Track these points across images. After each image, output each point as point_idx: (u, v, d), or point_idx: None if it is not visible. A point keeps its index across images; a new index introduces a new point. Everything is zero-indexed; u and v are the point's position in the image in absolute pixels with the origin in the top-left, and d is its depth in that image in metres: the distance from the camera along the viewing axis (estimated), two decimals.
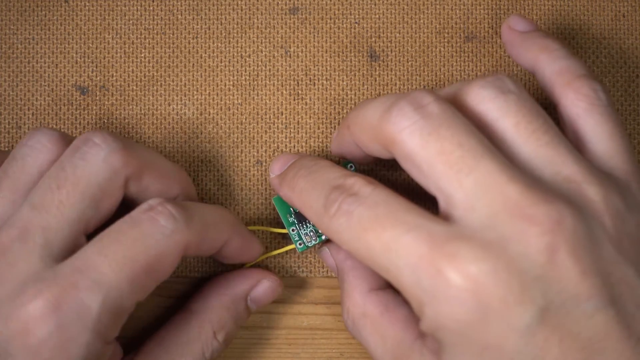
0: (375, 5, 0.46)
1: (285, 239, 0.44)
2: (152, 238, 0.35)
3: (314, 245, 0.42)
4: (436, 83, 0.46)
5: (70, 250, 0.36)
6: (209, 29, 0.45)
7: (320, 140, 0.45)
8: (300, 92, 0.45)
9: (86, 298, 0.34)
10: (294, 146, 0.45)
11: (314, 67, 0.45)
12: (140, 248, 0.35)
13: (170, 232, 0.36)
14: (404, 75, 0.46)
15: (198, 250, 0.37)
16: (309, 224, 0.42)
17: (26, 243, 0.35)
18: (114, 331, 0.36)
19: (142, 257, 0.35)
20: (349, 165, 0.43)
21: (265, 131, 0.45)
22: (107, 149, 0.37)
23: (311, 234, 0.42)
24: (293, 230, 0.42)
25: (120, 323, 0.36)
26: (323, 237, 0.42)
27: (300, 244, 0.42)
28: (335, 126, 0.45)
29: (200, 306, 0.41)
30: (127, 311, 0.36)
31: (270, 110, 0.45)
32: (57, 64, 0.45)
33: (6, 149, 0.45)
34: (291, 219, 0.42)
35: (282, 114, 0.45)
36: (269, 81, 0.45)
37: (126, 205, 0.38)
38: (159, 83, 0.45)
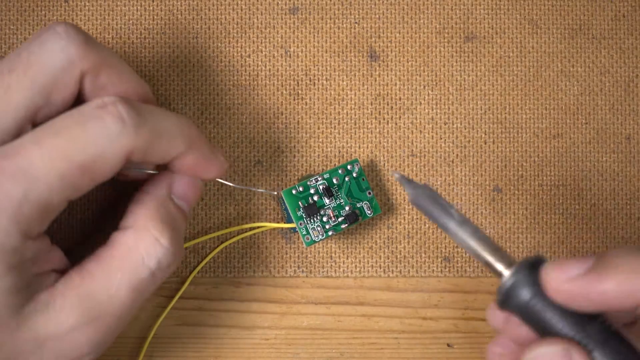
0: (375, 5, 0.46)
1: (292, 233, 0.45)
2: (94, 138, 0.33)
3: (321, 240, 0.42)
4: (436, 83, 0.46)
5: (12, 136, 0.34)
6: (209, 29, 0.45)
7: (321, 140, 0.45)
8: (300, 92, 0.45)
9: (9, 184, 0.32)
10: (294, 146, 0.45)
11: (314, 67, 0.45)
12: (79, 146, 0.33)
13: (116, 136, 0.34)
14: (404, 75, 0.46)
15: (144, 158, 0.35)
16: (317, 218, 0.42)
17: None
18: (38, 226, 0.34)
19: (79, 155, 0.33)
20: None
21: (266, 131, 0.45)
22: (66, 39, 0.35)
23: (318, 228, 0.42)
24: (301, 224, 0.42)
25: (46, 219, 0.34)
26: (330, 233, 0.42)
27: (307, 239, 0.42)
28: (335, 126, 0.45)
29: (129, 220, 0.37)
30: (55, 207, 0.34)
31: (270, 110, 0.45)
32: None
33: None
34: (299, 213, 0.42)
35: (282, 114, 0.45)
36: (269, 81, 0.45)
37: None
38: (159, 83, 0.45)
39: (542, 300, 0.33)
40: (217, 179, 0.41)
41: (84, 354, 0.35)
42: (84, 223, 0.44)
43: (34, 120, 0.35)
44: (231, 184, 0.44)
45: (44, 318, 0.34)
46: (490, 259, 0.35)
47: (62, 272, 0.36)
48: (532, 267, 0.34)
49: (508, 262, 0.34)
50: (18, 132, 0.35)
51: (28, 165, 0.33)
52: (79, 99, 0.37)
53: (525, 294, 0.33)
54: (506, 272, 0.34)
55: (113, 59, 0.37)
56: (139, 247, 0.36)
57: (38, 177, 0.33)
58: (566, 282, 0.32)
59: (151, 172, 0.39)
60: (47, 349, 0.34)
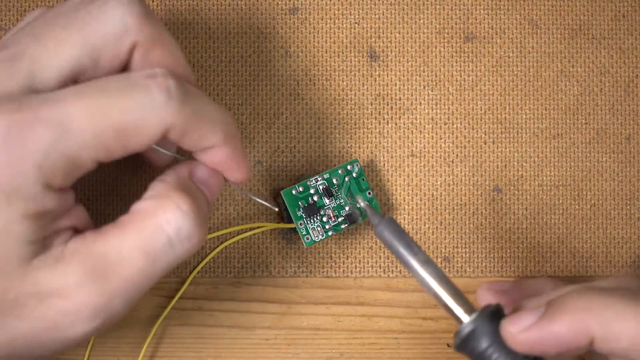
0: (375, 5, 0.46)
1: (292, 233, 0.45)
2: (138, 104, 0.33)
3: (321, 240, 0.43)
4: (436, 83, 0.46)
5: (52, 89, 0.34)
6: (209, 29, 0.45)
7: (321, 140, 0.45)
8: (300, 92, 0.45)
9: (41, 129, 0.32)
10: (294, 146, 0.45)
11: (314, 67, 0.45)
12: (121, 107, 0.33)
13: (160, 107, 0.33)
14: (404, 76, 0.46)
15: (181, 138, 0.34)
16: (317, 218, 0.42)
17: (11, 67, 0.34)
18: (62, 179, 0.33)
19: (118, 117, 0.33)
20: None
21: (266, 131, 0.45)
22: (127, 7, 0.35)
23: (318, 229, 0.42)
24: (301, 224, 0.42)
25: (72, 174, 0.33)
26: (330, 233, 0.42)
27: (307, 239, 0.42)
28: (335, 126, 0.45)
29: (150, 192, 0.36)
30: (82, 164, 0.33)
31: (270, 110, 0.45)
32: None
33: None
34: (300, 213, 0.42)
35: (282, 114, 0.45)
36: (269, 81, 0.45)
37: None
38: None
39: (499, 350, 0.35)
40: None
41: (87, 317, 0.34)
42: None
43: (77, 80, 0.35)
44: (239, 189, 0.43)
45: (51, 273, 0.33)
46: (450, 302, 0.36)
47: (82, 232, 0.35)
48: (491, 316, 0.35)
49: (468, 308, 0.36)
50: (59, 87, 0.34)
51: (65, 115, 0.32)
52: (125, 70, 0.36)
53: (482, 342, 0.35)
54: (465, 318, 0.35)
55: (167, 38, 0.36)
56: (157, 213, 0.34)
57: (72, 129, 0.32)
58: (522, 332, 0.34)
59: (178, 156, 0.39)
60: (50, 305, 0.33)
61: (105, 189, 0.44)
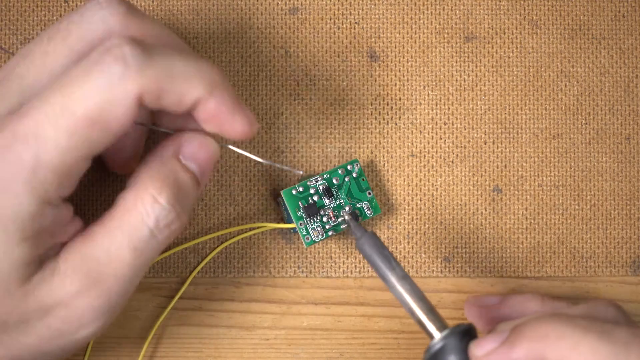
0: (375, 5, 0.46)
1: (292, 233, 0.45)
2: (96, 85, 0.32)
3: (321, 240, 0.43)
4: (436, 83, 0.46)
5: None
6: (209, 29, 0.45)
7: (321, 140, 0.45)
8: (300, 92, 0.45)
9: (20, 148, 0.31)
10: (294, 146, 0.45)
11: (314, 67, 0.45)
12: (83, 95, 0.31)
13: (118, 79, 0.32)
14: (404, 76, 0.46)
15: (158, 101, 0.33)
16: (317, 218, 0.42)
17: (1, 89, 0.34)
18: (57, 189, 0.33)
19: (81, 107, 0.32)
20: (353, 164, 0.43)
21: (266, 131, 0.45)
22: (107, 9, 0.35)
23: (318, 229, 0.42)
24: (301, 224, 0.42)
25: (65, 181, 0.33)
26: (330, 233, 0.42)
27: (307, 239, 0.42)
28: (335, 126, 0.45)
29: (132, 181, 0.36)
30: (72, 167, 0.33)
31: (270, 110, 0.45)
32: None
33: None
34: (300, 213, 0.42)
35: (282, 114, 0.45)
36: (269, 81, 0.45)
37: None
38: None
39: None
40: (244, 153, 0.39)
41: (90, 320, 0.34)
42: None
43: None
44: (258, 158, 0.40)
45: (50, 287, 0.33)
46: (423, 318, 0.37)
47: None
48: (462, 334, 0.36)
49: (440, 325, 0.37)
50: None
51: (35, 125, 0.32)
52: None
53: (451, 359, 0.36)
54: (437, 335, 0.37)
55: (157, 30, 0.36)
56: (137, 206, 0.34)
57: (47, 137, 0.32)
58: (485, 356, 0.35)
59: (166, 130, 0.38)
60: (54, 316, 0.34)
61: (96, 188, 0.44)
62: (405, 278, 0.38)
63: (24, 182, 0.32)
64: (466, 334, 0.37)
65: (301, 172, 0.42)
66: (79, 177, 0.33)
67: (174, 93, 0.33)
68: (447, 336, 0.36)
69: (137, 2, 0.45)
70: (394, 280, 0.38)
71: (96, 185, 0.44)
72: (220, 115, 0.35)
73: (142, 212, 0.34)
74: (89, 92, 0.32)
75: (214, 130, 0.36)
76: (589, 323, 0.35)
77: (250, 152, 0.43)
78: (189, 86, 0.34)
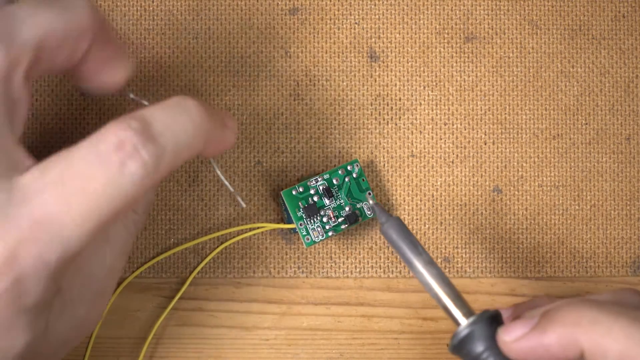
0: (375, 5, 0.46)
1: (292, 233, 0.45)
2: (120, 186, 0.32)
3: (321, 241, 0.43)
4: (436, 83, 0.46)
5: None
6: (209, 29, 0.45)
7: (321, 140, 0.45)
8: (300, 92, 0.45)
9: (45, 253, 0.31)
10: (294, 146, 0.45)
11: (314, 67, 0.45)
12: (107, 198, 0.32)
13: (140, 179, 0.32)
14: (404, 76, 0.46)
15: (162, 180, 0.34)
16: (317, 219, 0.42)
17: None
18: (67, 270, 0.33)
19: (108, 208, 0.32)
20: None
21: (266, 131, 0.45)
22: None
23: (319, 229, 0.42)
24: (301, 224, 0.42)
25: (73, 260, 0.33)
26: (330, 234, 0.42)
27: (307, 239, 0.42)
28: (335, 126, 0.45)
29: None
30: (82, 253, 0.33)
31: (270, 110, 0.45)
32: None
33: None
34: (300, 214, 0.42)
35: (282, 114, 0.45)
36: (269, 81, 0.45)
37: None
38: (159, 83, 0.45)
39: (494, 356, 0.35)
40: (212, 163, 0.39)
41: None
42: None
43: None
44: (218, 172, 0.41)
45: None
46: (450, 304, 0.37)
47: None
48: (489, 321, 0.36)
49: (467, 311, 0.36)
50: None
51: (61, 230, 0.31)
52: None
53: (478, 346, 0.35)
54: (464, 321, 0.36)
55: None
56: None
57: (71, 239, 0.31)
58: (514, 342, 0.35)
59: (143, 101, 0.38)
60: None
61: None
62: (431, 263, 0.37)
63: (47, 278, 0.32)
64: (494, 320, 0.36)
65: (244, 206, 0.43)
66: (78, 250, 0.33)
67: (181, 162, 0.34)
68: (474, 322, 0.36)
69: (137, 2, 0.45)
70: (420, 265, 0.37)
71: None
72: (217, 147, 0.36)
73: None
74: (115, 194, 0.32)
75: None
76: (620, 308, 0.35)
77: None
78: (193, 149, 0.34)
